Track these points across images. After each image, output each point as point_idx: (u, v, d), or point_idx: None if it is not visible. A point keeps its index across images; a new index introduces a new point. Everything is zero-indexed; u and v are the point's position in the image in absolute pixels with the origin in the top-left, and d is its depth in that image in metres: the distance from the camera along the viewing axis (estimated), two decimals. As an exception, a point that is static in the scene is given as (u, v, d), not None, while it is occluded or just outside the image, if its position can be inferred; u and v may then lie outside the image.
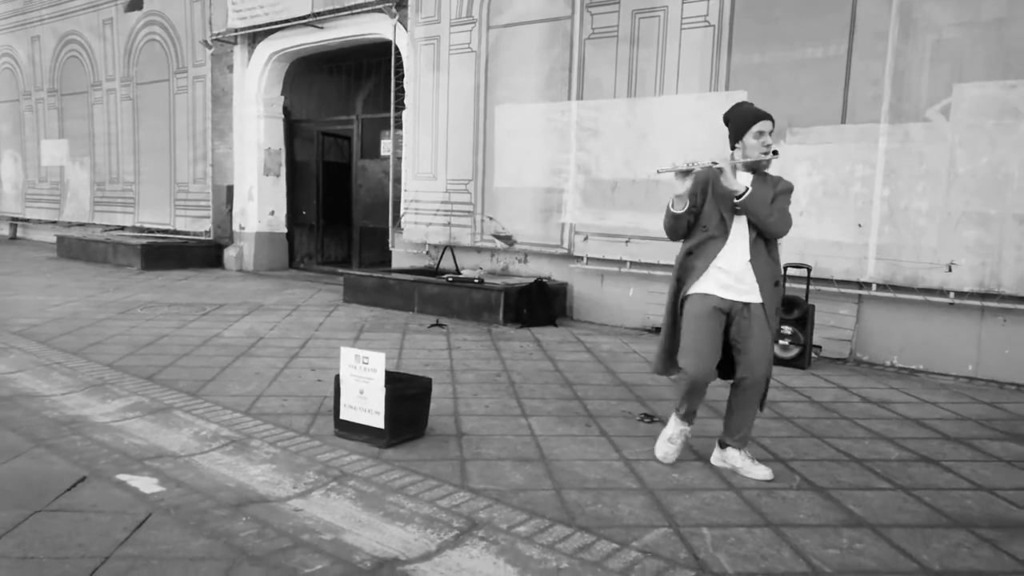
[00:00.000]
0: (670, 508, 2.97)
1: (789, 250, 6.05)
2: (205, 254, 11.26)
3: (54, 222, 14.43)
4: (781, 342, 5.68)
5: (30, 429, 3.61)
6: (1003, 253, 5.24)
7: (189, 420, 3.88)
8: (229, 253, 11.24)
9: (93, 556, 2.37)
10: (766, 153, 3.19)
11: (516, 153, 7.91)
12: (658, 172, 3.38)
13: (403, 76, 8.99)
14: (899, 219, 5.64)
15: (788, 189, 3.28)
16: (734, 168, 3.16)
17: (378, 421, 3.55)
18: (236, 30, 10.62)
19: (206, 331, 6.30)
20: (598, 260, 7.35)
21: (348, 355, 3.66)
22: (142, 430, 3.70)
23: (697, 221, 3.29)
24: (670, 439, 3.49)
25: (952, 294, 5.46)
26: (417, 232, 8.80)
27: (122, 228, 12.93)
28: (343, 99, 12.20)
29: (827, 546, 2.68)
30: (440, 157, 8.52)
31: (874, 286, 5.79)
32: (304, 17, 9.71)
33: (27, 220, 15.44)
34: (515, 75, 7.89)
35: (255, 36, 10.73)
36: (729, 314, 3.27)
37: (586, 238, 7.38)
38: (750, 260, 3.22)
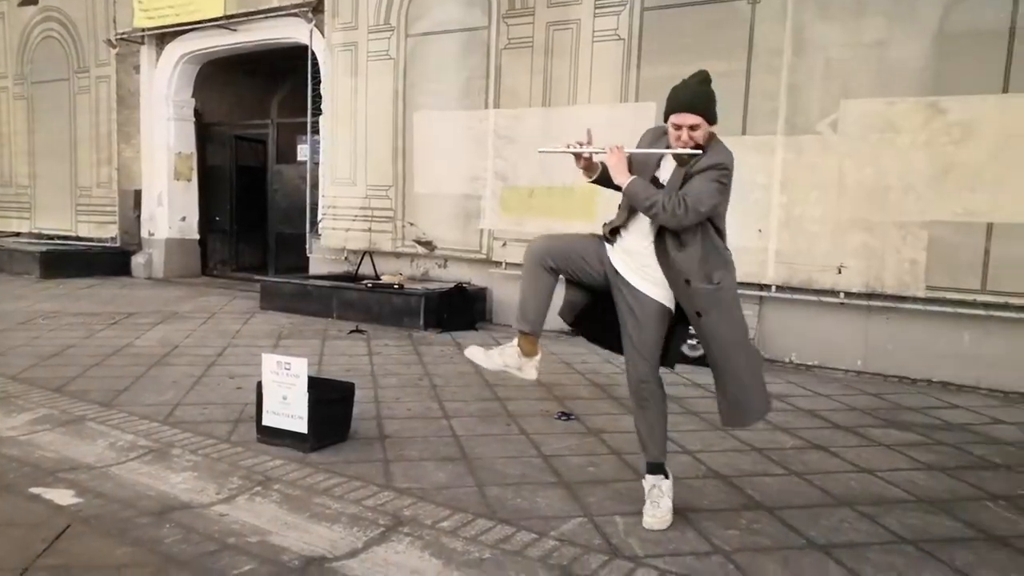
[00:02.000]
0: (585, 499, 3.15)
1: (696, 254, 6.39)
2: (111, 261, 10.82)
3: (-60, 228, 13.52)
4: (689, 342, 5.99)
5: (-69, 445, 3.48)
6: (885, 257, 5.71)
7: (103, 431, 3.81)
8: (137, 260, 10.84)
9: (11, 569, 2.34)
10: (689, 142, 2.76)
11: (436, 159, 8.00)
12: (539, 152, 3.30)
13: (320, 81, 8.94)
14: (795, 225, 6.05)
15: (709, 166, 2.74)
16: (629, 158, 2.86)
17: (301, 426, 3.59)
18: (143, 30, 10.28)
19: (116, 340, 6.12)
20: (517, 265, 7.52)
21: (270, 361, 3.68)
22: (53, 443, 3.61)
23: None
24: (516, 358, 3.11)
25: (842, 294, 5.90)
26: (336, 237, 8.76)
27: (17, 234, 12.25)
28: (258, 102, 11.98)
29: (728, 527, 2.91)
30: (359, 163, 8.51)
31: (773, 288, 6.19)
32: (217, 19, 9.50)
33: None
34: (434, 83, 7.99)
35: (163, 36, 10.41)
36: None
37: (504, 244, 7.55)
38: (655, 249, 2.86)
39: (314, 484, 3.21)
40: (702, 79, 2.86)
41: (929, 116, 5.51)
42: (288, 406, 3.62)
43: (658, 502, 2.93)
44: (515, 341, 3.10)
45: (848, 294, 5.87)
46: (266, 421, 3.69)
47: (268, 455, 3.53)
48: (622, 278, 2.94)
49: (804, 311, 6.12)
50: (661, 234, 2.83)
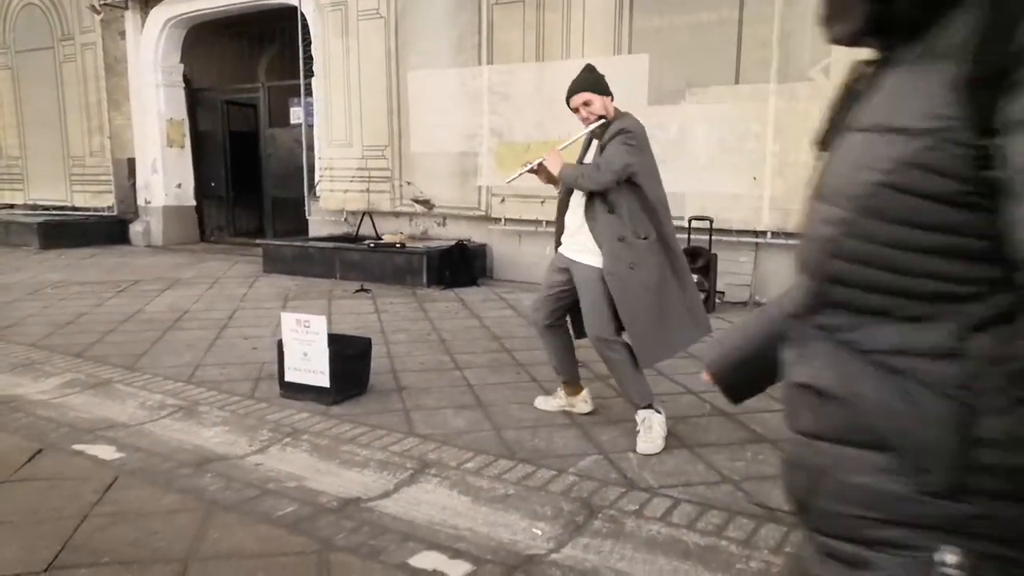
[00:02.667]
0: (598, 438, 3.32)
1: (692, 203, 6.51)
2: (109, 230, 10.85)
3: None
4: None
5: (-33, 410, 3.61)
6: (878, 200, 5.84)
7: (131, 392, 3.95)
8: (135, 228, 10.88)
9: (71, 516, 2.50)
10: (591, 118, 3.21)
11: (431, 118, 8.03)
12: (507, 183, 3.82)
13: (311, 43, 8.89)
14: (788, 172, 6.16)
15: (615, 134, 3.11)
16: (558, 152, 3.30)
17: (323, 380, 3.74)
18: (127, -6, 10.15)
19: (126, 307, 6.23)
20: (515, 221, 7.63)
21: (289, 320, 3.81)
22: (85, 404, 3.76)
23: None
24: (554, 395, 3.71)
25: (836, 238, 6.04)
26: (334, 199, 8.82)
27: (11, 206, 12.24)
28: (246, 66, 11.88)
29: (735, 459, 3.10)
30: (355, 123, 8.53)
31: (769, 234, 6.33)
32: (201, -19, 9.40)
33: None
34: (426, 41, 7.97)
35: (148, 1, 10.28)
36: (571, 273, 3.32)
37: (503, 200, 7.64)
38: (585, 219, 3.20)
39: (340, 434, 3.37)
40: (585, 68, 3.33)
41: (920, 59, 5.59)
42: (309, 362, 3.76)
43: (650, 428, 3.19)
44: (560, 390, 3.70)
45: (842, 238, 6.01)
46: (288, 377, 3.84)
47: (293, 409, 3.68)
48: (568, 259, 3.34)
49: (799, 256, 6.27)
50: (591, 201, 3.20)
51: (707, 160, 6.47)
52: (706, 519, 2.57)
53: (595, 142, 3.30)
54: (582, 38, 7.05)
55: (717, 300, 6.31)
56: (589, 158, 3.34)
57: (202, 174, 11.27)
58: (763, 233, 6.35)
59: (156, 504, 2.63)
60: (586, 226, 3.21)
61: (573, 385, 3.63)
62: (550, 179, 3.38)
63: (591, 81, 3.25)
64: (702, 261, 6.12)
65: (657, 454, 3.12)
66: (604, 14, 6.89)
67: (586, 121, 3.24)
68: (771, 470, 2.97)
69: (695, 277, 6.01)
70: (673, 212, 6.91)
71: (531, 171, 3.39)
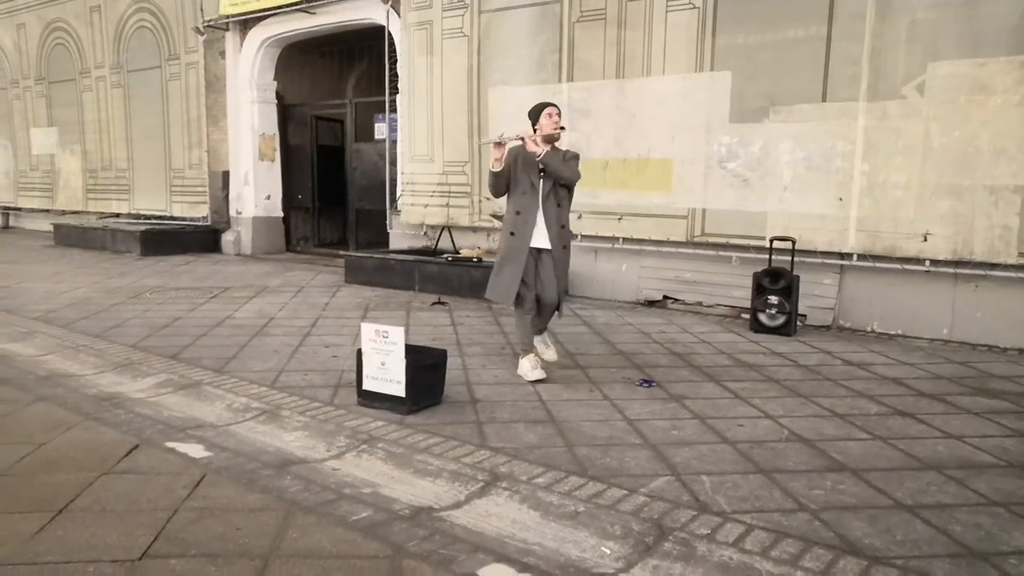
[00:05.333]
0: (671, 459, 3.29)
1: (775, 223, 6.37)
2: (203, 239, 11.44)
3: (47, 210, 14.52)
4: (768, 311, 6.01)
5: (75, 404, 3.88)
6: (975, 222, 5.57)
7: (219, 394, 4.15)
8: (227, 238, 11.42)
9: (164, 508, 2.65)
10: (557, 128, 4.39)
11: (511, 135, 8.12)
12: (481, 143, 4.32)
13: (396, 60, 9.18)
14: (877, 192, 5.95)
15: (576, 155, 4.52)
16: (533, 140, 4.31)
17: (399, 390, 3.84)
18: (228, 17, 10.72)
19: (218, 313, 6.55)
20: (592, 237, 7.63)
21: (368, 330, 3.93)
22: (177, 404, 3.97)
23: (515, 186, 4.46)
24: (532, 367, 4.52)
25: (928, 262, 5.79)
26: (415, 213, 9.03)
27: (117, 215, 13.05)
28: (335, 82, 12.34)
29: (813, 487, 3.01)
30: (436, 139, 8.74)
31: (855, 256, 6.11)
32: (297, 3, 9.84)
33: (19, 209, 15.50)
34: (507, 58, 8.10)
35: (247, 22, 10.83)
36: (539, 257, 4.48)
37: (580, 216, 7.64)
38: (542, 211, 4.41)
39: (414, 443, 3.45)
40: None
41: (1023, 76, 5.32)
42: (387, 371, 3.87)
43: (547, 343, 4.75)
44: (527, 356, 4.58)
45: (934, 262, 5.76)
46: (366, 386, 3.95)
47: (369, 417, 3.79)
48: (537, 249, 4.47)
49: (887, 279, 6.04)
50: (548, 199, 4.42)
51: (791, 179, 6.32)
52: (781, 547, 2.51)
53: (540, 145, 4.33)
54: (663, 55, 7.03)
55: (798, 323, 6.13)
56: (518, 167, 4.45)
57: (290, 186, 11.75)
58: (849, 255, 6.14)
59: (240, 502, 2.76)
60: (544, 217, 4.41)
61: (533, 350, 4.63)
62: (500, 160, 4.36)
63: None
64: (784, 282, 5.97)
65: (732, 475, 3.06)
66: (687, 31, 6.85)
67: (556, 126, 4.40)
68: (852, 500, 2.88)
69: (775, 299, 5.91)
70: (754, 232, 6.87)
71: (497, 142, 4.39)
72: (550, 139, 4.38)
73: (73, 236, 12.30)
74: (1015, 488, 3.01)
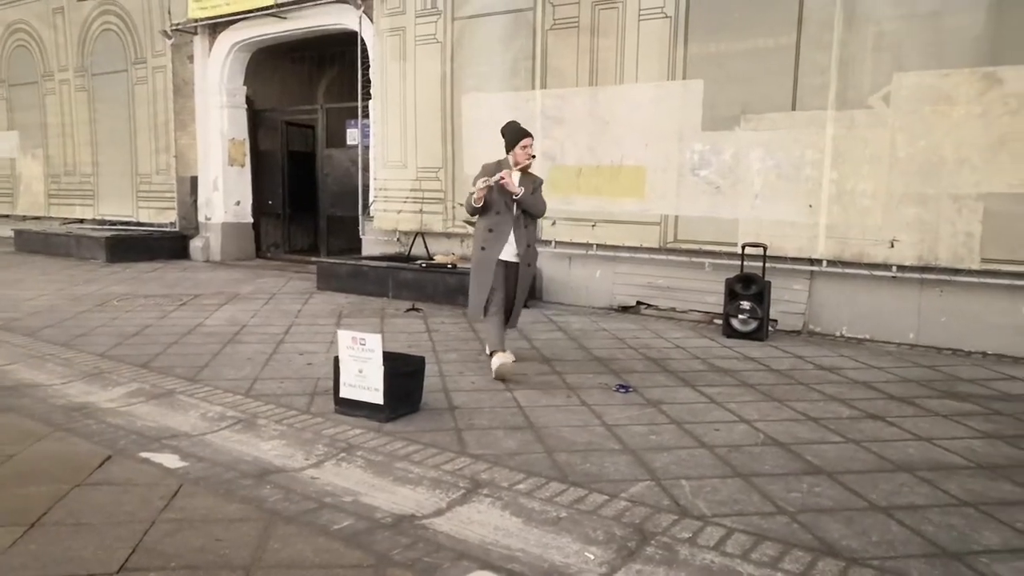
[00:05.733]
0: (651, 464, 3.31)
1: (746, 230, 6.46)
2: (171, 245, 11.25)
3: (7, 216, 14.14)
4: (740, 316, 6.10)
5: (44, 415, 3.79)
6: (940, 229, 5.72)
7: (193, 403, 4.09)
8: (195, 244, 11.25)
9: (141, 520, 2.60)
10: (530, 159, 4.84)
11: (484, 141, 8.13)
12: (472, 192, 4.75)
13: (369, 66, 9.14)
14: (846, 200, 6.07)
15: (541, 183, 4.96)
16: (510, 174, 4.70)
17: (377, 397, 3.81)
18: (197, 20, 10.58)
19: (188, 320, 6.44)
20: (566, 243, 7.67)
21: (345, 337, 3.90)
22: (150, 413, 3.90)
23: (490, 207, 4.77)
24: (504, 359, 4.70)
25: (895, 268, 5.93)
26: (388, 219, 8.99)
27: (81, 221, 12.78)
28: (305, 88, 12.25)
29: (790, 490, 3.05)
30: (409, 145, 8.71)
31: (824, 262, 6.23)
32: (267, 7, 9.75)
33: (-23, 215, 15.08)
34: (481, 65, 8.12)
35: (216, 26, 10.71)
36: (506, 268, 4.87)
37: (554, 223, 7.68)
38: (513, 231, 4.80)
39: (394, 451, 3.42)
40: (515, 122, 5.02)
41: (985, 87, 5.48)
42: (364, 379, 3.84)
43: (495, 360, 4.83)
44: (498, 357, 4.73)
45: (901, 267, 5.90)
46: (343, 393, 3.92)
47: (347, 424, 3.76)
48: (504, 261, 4.85)
49: (855, 285, 6.17)
50: (519, 219, 4.82)
51: (762, 187, 6.42)
52: (761, 550, 2.54)
53: (513, 173, 4.76)
54: (636, 63, 7.10)
55: (770, 328, 6.22)
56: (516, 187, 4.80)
57: (260, 192, 11.62)
58: (818, 261, 6.25)
59: (219, 512, 2.72)
60: (514, 235, 4.81)
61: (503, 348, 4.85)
62: (481, 200, 4.73)
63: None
64: (756, 288, 6.05)
65: (711, 479, 3.10)
66: (659, 40, 6.93)
67: (528, 157, 4.82)
68: (829, 503, 2.93)
69: (748, 304, 6.00)
70: (725, 238, 6.95)
71: (491, 185, 4.68)
72: (522, 168, 4.85)
73: (35, 242, 12.01)
74: (984, 489, 3.09)
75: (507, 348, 4.86)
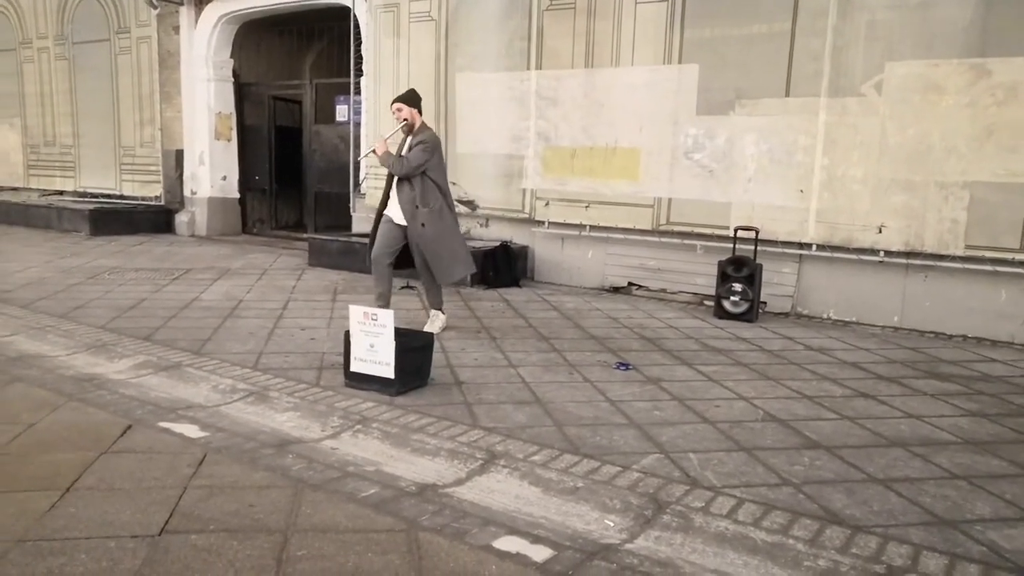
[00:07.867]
0: (658, 438, 3.43)
1: (739, 213, 6.60)
2: (155, 219, 11.14)
3: (-18, 186, 13.88)
4: (732, 298, 6.24)
5: (55, 385, 3.81)
6: (926, 216, 5.89)
7: (203, 376, 4.12)
8: (181, 218, 11.15)
9: (173, 486, 2.66)
10: (401, 122, 5.13)
11: (478, 120, 8.17)
12: (360, 158, 5.00)
13: (361, 42, 9.08)
14: (836, 185, 6.22)
15: (422, 141, 5.05)
16: (385, 141, 5.07)
17: (388, 372, 3.88)
18: (183, -10, 10.42)
19: (184, 295, 6.43)
20: (559, 224, 7.75)
21: (357, 312, 3.96)
22: (161, 385, 3.93)
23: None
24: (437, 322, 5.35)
25: (882, 253, 6.10)
26: (379, 197, 8.97)
27: (60, 193, 12.57)
28: (293, 62, 12.12)
29: (793, 464, 3.19)
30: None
31: (814, 246, 6.39)
32: (257, -21, 9.63)
33: (-49, 184, 14.77)
34: (475, 44, 8.12)
35: (203, -3, 10.55)
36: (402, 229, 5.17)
37: (547, 203, 7.76)
38: (396, 191, 5.12)
39: (408, 423, 3.51)
40: (409, 90, 5.35)
41: (973, 77, 5.64)
42: (375, 353, 3.91)
43: (435, 320, 5.39)
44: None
45: (888, 252, 6.07)
46: (354, 367, 3.98)
47: (359, 398, 3.83)
48: (397, 223, 5.18)
49: (844, 269, 6.33)
50: (400, 182, 5.10)
51: (754, 171, 6.54)
52: (771, 518, 2.67)
53: (409, 140, 5.11)
54: (632, 47, 7.15)
55: (760, 310, 6.38)
56: (405, 150, 5.14)
57: (247, 167, 11.52)
58: (808, 245, 6.41)
59: (247, 480, 2.78)
60: (397, 198, 5.10)
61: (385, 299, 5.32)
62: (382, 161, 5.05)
63: (407, 97, 5.17)
64: (747, 271, 6.20)
65: (717, 452, 3.23)
66: (655, 24, 6.99)
67: (400, 121, 5.12)
68: (830, 475, 3.07)
69: (739, 286, 6.15)
70: (718, 221, 7.15)
71: (372, 153, 5.12)
72: (406, 131, 5.18)
73: (14, 213, 11.82)
74: (972, 463, 3.26)
75: (439, 306, 5.42)
